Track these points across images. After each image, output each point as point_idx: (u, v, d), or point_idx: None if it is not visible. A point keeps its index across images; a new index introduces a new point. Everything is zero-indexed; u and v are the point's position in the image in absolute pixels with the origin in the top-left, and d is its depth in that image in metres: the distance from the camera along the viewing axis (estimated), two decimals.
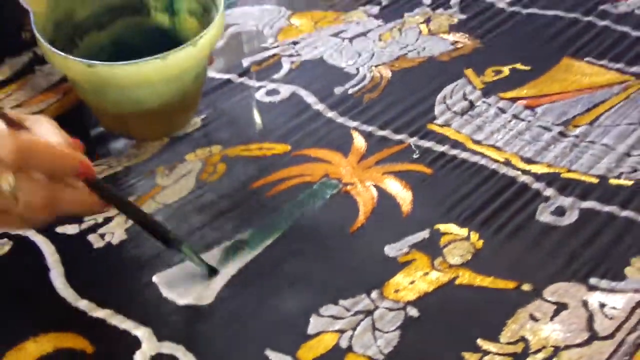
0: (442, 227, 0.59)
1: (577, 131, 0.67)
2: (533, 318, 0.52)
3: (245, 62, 0.83)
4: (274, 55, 0.83)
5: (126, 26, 0.79)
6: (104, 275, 0.58)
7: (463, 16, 0.86)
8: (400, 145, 0.68)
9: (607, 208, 0.59)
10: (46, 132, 0.55)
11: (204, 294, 0.56)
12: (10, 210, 0.51)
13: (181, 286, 0.57)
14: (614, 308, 0.52)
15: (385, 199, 0.63)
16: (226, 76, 0.81)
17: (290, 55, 0.83)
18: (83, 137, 0.56)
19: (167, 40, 0.77)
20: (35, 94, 0.80)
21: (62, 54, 0.69)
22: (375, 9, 0.90)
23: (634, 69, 0.74)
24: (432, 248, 0.58)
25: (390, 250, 0.58)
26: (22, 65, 0.86)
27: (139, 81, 0.67)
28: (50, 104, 0.79)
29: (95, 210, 0.56)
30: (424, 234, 0.59)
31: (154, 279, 0.57)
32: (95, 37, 0.79)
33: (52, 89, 0.81)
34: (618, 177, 0.62)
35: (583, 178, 0.63)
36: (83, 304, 0.55)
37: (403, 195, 0.63)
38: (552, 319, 0.51)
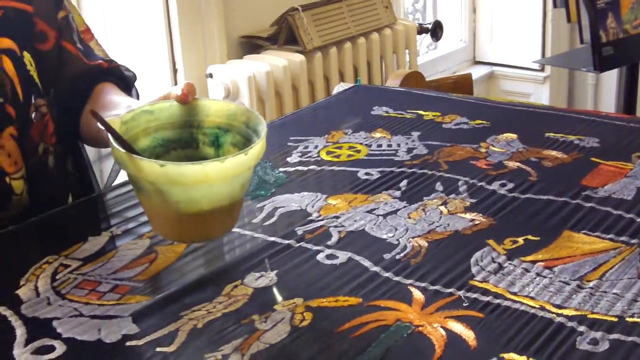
0: (506, 355, 0.75)
1: (591, 284, 0.86)
2: None
3: (300, 231, 0.99)
4: (322, 226, 1.00)
5: (177, 157, 0.93)
6: None
7: (473, 200, 1.06)
8: (451, 296, 0.85)
9: (630, 338, 0.77)
10: None
11: None
12: None
13: None
14: None
15: (452, 336, 0.78)
16: (286, 241, 0.97)
17: (336, 227, 1.00)
18: None
19: None
20: (124, 264, 0.94)
21: (138, 156, 0.83)
22: (397, 193, 1.09)
23: (623, 238, 0.95)
24: None
25: None
26: (104, 243, 1.00)
27: (201, 180, 0.81)
28: (138, 272, 0.92)
29: None
30: None
31: None
32: None
33: (137, 260, 0.95)
34: (632, 316, 0.80)
35: (605, 318, 0.80)
36: None
37: (467, 334, 0.78)
38: None
